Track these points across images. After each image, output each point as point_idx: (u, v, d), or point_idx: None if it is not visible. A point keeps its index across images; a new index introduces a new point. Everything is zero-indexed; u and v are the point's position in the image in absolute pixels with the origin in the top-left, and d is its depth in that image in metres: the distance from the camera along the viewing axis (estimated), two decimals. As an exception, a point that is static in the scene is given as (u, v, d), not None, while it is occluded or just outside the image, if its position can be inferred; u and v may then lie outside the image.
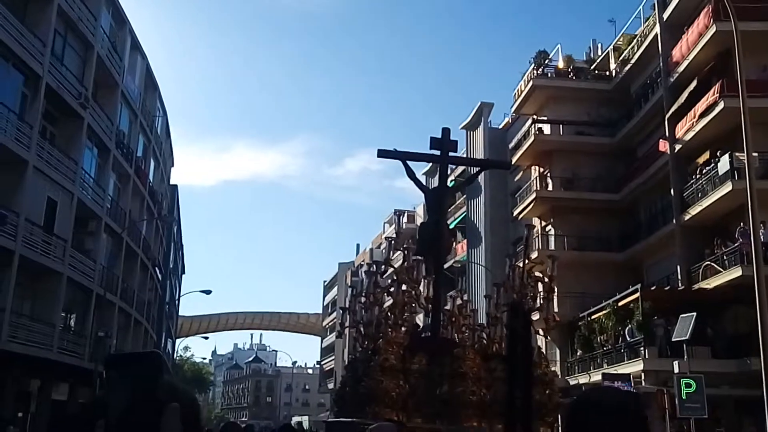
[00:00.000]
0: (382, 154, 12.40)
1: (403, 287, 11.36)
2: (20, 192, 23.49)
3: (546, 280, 11.97)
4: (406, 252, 11.64)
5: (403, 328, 11.26)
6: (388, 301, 11.84)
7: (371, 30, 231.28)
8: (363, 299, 12.46)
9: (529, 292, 11.94)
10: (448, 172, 13.58)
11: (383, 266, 12.29)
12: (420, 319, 12.07)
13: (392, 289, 11.42)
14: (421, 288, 11.66)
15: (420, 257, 11.91)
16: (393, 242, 12.28)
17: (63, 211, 26.91)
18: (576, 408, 2.14)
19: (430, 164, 56.24)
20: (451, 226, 49.06)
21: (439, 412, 10.30)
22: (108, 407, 2.07)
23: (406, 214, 57.62)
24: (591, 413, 2.09)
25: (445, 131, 12.29)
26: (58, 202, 26.66)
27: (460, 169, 47.35)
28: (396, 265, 11.65)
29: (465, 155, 46.08)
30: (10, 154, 22.71)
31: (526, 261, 12.79)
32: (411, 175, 12.48)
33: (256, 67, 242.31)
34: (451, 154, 12.56)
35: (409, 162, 12.42)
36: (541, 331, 11.54)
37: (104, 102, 31.09)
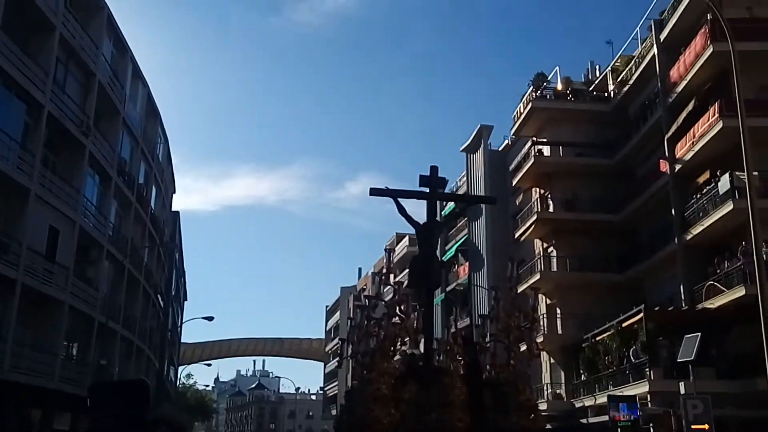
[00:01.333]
0: (374, 192, 13.21)
1: (396, 319, 12.03)
2: (22, 220, 23.50)
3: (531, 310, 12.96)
4: (396, 287, 12.37)
5: (396, 357, 11.93)
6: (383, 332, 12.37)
7: (372, 54, 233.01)
8: (358, 331, 13.15)
9: (513, 323, 12.60)
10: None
11: (375, 300, 12.98)
12: (422, 346, 12.54)
13: (383, 322, 12.10)
14: (412, 318, 12.39)
15: (412, 288, 12.77)
16: (383, 278, 12.98)
17: (65, 239, 26.91)
18: None
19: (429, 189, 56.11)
20: (452, 249, 49.26)
21: None
22: None
23: (408, 238, 57.62)
24: None
25: (433, 169, 13.19)
26: (60, 230, 26.66)
27: (461, 191, 47.48)
28: (387, 298, 12.37)
29: (465, 178, 46.31)
30: (12, 182, 22.76)
31: (514, 290, 13.64)
32: (402, 211, 13.08)
33: (256, 93, 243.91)
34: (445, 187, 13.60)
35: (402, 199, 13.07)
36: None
37: (106, 130, 31.23)
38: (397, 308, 12.21)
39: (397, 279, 13.02)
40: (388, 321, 12.12)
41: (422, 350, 12.52)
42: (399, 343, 12.03)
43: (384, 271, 13.41)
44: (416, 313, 12.70)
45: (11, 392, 22.59)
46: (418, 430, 11.04)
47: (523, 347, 12.68)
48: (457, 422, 11.12)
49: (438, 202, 13.70)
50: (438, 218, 14.52)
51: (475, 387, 10.50)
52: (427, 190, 13.08)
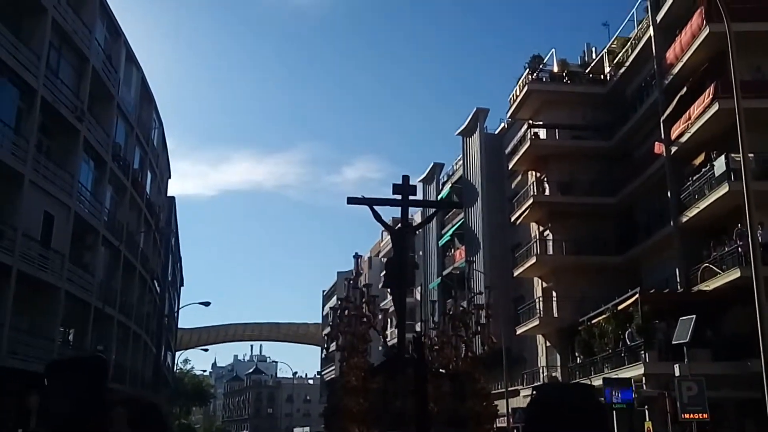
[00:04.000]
0: (352, 201, 14.47)
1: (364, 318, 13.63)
2: (17, 206, 23.42)
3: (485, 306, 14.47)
4: (365, 289, 14.10)
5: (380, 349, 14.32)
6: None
7: (367, 39, 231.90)
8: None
9: (469, 320, 14.31)
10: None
11: (344, 303, 14.34)
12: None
13: (354, 321, 13.66)
14: (380, 318, 14.34)
15: (387, 288, 14.50)
16: (351, 282, 14.36)
17: (60, 225, 26.85)
18: (536, 406, 2.13)
19: (426, 172, 56.54)
20: (449, 234, 49.68)
21: (393, 425, 12.19)
22: (49, 415, 2.02)
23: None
24: (551, 409, 2.08)
25: (405, 178, 14.64)
26: (55, 216, 26.59)
27: (457, 175, 47.43)
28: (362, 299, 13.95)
29: (462, 161, 46.26)
30: (6, 168, 22.66)
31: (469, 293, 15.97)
32: (377, 217, 14.65)
33: (252, 77, 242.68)
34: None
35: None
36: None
37: (100, 115, 31.07)
38: (366, 309, 13.68)
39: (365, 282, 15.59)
40: (357, 321, 13.55)
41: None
42: (366, 342, 13.62)
43: (353, 275, 14.64)
44: (382, 313, 14.68)
45: (9, 378, 22.60)
46: (384, 416, 12.39)
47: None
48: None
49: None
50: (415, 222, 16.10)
51: (421, 380, 11.77)
52: (399, 198, 14.47)
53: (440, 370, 14.01)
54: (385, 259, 15.87)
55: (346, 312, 13.85)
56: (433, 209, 32.63)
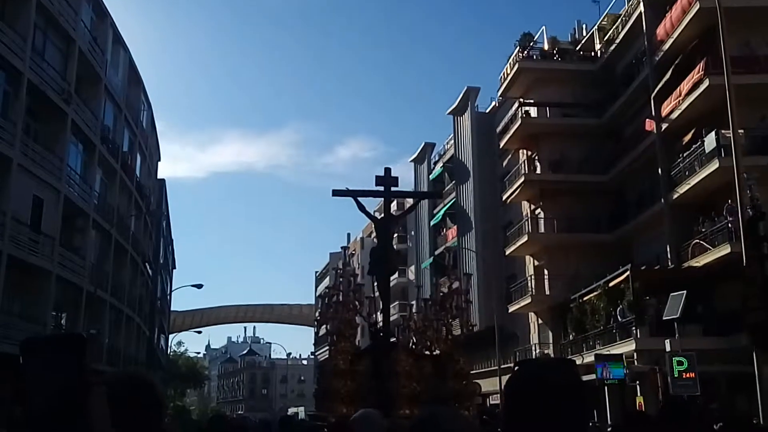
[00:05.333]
0: (336, 193, 15.47)
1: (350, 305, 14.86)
2: (5, 190, 23.24)
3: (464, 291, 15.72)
4: (352, 278, 15.39)
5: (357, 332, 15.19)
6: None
7: (357, 16, 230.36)
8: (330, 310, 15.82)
9: (448, 304, 15.42)
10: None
11: (331, 291, 15.70)
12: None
13: (340, 308, 14.83)
14: (366, 305, 15.68)
15: (372, 275, 15.54)
16: (339, 271, 15.57)
17: (50, 209, 26.69)
18: (516, 383, 2.10)
19: (417, 152, 56.75)
20: (441, 213, 50.17)
21: (379, 404, 12.77)
22: (27, 395, 1.98)
23: (395, 202, 57.55)
24: (529, 385, 2.05)
25: (387, 170, 15.57)
26: (45, 199, 26.43)
27: (449, 154, 47.40)
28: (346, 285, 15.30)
29: (453, 141, 46.19)
30: (-6, 152, 22.49)
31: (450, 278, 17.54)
32: (361, 208, 15.53)
33: (242, 56, 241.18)
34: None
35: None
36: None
37: (88, 97, 30.79)
38: (352, 296, 14.80)
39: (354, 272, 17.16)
40: (344, 308, 14.63)
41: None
42: (352, 328, 14.82)
43: (340, 265, 15.80)
44: (368, 300, 15.88)
45: (2, 363, 22.56)
46: (369, 396, 13.08)
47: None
48: (401, 389, 13.74)
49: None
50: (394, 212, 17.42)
51: (382, 365, 13.31)
52: (382, 189, 15.41)
53: (424, 352, 15.01)
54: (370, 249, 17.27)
55: (334, 299, 14.83)
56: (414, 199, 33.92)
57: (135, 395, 2.18)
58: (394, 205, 19.17)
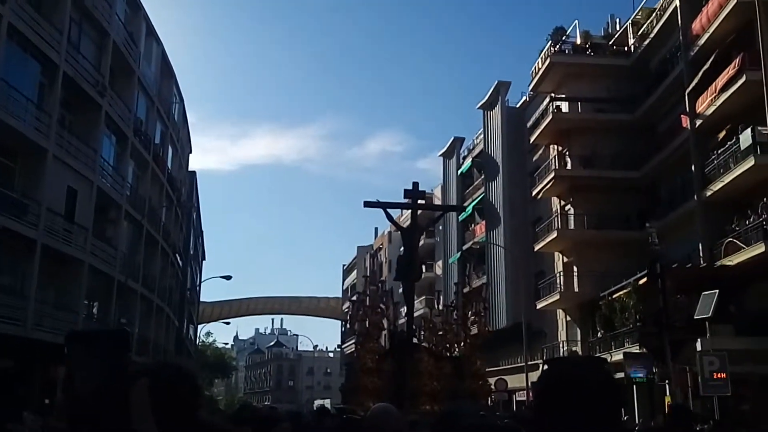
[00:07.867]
0: (368, 204, 17.15)
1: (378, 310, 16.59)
2: (40, 181, 23.64)
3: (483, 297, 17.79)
4: (379, 285, 17.32)
5: (384, 334, 16.70)
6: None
7: (390, 11, 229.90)
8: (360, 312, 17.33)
9: (467, 311, 17.16)
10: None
11: (360, 295, 17.77)
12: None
13: (369, 312, 16.46)
14: (391, 309, 17.36)
15: (397, 281, 17.40)
16: (367, 278, 18.06)
17: (83, 200, 27.09)
18: (547, 381, 2.09)
19: (447, 146, 56.92)
20: (470, 208, 50.43)
21: (402, 400, 13.93)
22: (73, 384, 2.07)
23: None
24: (561, 383, 2.04)
25: (415, 185, 17.27)
26: (78, 190, 26.83)
27: (478, 149, 47.20)
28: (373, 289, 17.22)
29: (483, 135, 45.97)
30: (30, 143, 22.85)
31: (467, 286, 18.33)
32: (390, 218, 17.78)
33: (273, 50, 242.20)
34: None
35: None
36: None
37: (121, 89, 31.16)
38: (380, 301, 16.40)
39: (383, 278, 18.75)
40: (372, 312, 16.12)
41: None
42: (379, 329, 16.33)
43: (368, 272, 17.97)
44: (394, 306, 17.71)
45: (35, 350, 22.98)
46: (395, 393, 14.24)
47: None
48: (423, 387, 15.05)
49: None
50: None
51: (403, 364, 14.77)
52: (410, 201, 17.35)
53: (444, 353, 16.29)
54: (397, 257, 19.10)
55: (365, 303, 16.33)
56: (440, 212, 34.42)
57: (177, 384, 2.24)
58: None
